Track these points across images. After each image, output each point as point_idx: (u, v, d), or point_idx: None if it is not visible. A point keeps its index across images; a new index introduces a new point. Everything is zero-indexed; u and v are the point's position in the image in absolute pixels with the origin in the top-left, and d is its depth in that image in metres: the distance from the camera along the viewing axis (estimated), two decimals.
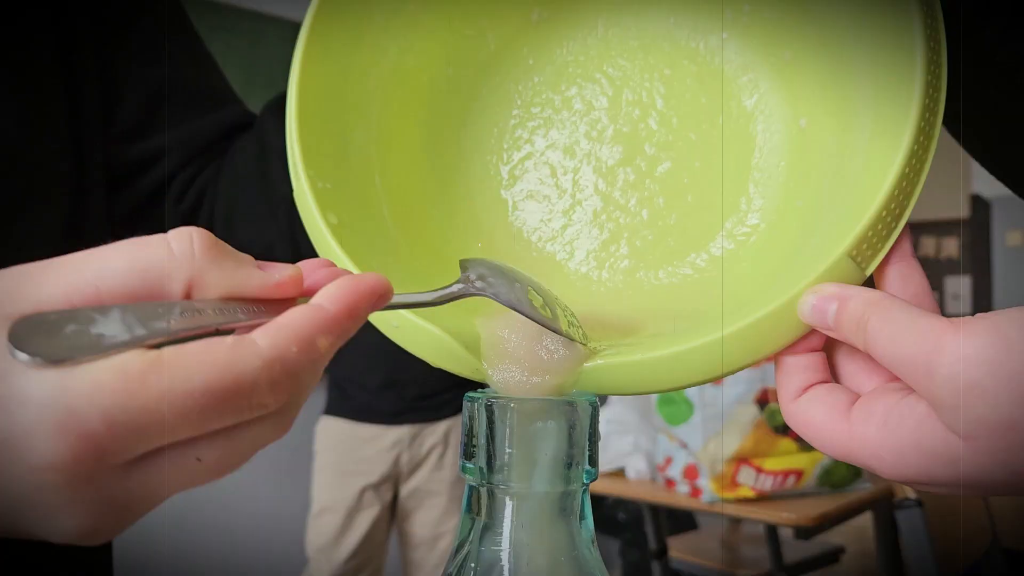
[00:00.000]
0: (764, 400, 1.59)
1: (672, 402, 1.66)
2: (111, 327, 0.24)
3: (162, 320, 0.25)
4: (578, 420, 0.33)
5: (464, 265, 0.36)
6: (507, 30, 0.47)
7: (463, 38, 0.47)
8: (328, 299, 0.28)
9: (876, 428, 0.30)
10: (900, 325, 0.29)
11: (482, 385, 0.36)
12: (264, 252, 0.59)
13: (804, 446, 1.60)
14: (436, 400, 2.00)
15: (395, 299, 0.31)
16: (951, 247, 4.40)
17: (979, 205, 3.53)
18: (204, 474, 0.25)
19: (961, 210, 3.76)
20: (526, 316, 0.34)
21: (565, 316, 0.37)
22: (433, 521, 2.01)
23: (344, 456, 1.98)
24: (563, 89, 0.47)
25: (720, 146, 0.44)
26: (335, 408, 2.03)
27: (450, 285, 0.34)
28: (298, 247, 0.58)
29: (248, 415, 0.25)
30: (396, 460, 1.98)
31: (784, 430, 1.58)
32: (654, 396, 1.73)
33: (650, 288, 0.44)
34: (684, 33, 0.45)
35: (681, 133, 0.45)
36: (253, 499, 2.64)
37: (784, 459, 1.60)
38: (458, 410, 2.03)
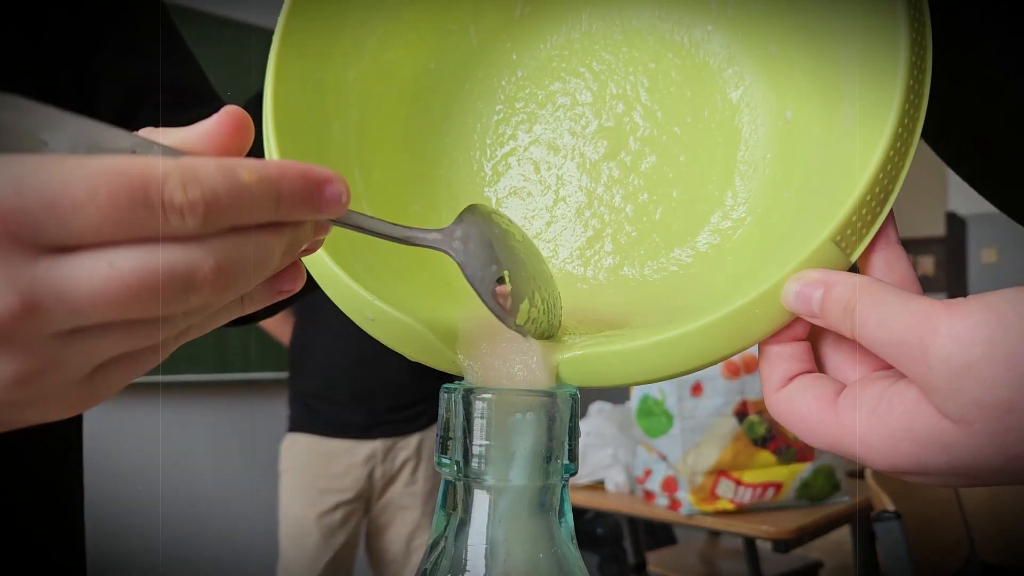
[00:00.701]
0: (743, 412, 1.59)
1: (651, 414, 1.65)
2: (59, 139, 0.24)
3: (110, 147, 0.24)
4: (558, 412, 0.32)
5: (462, 217, 0.35)
6: (490, 24, 0.46)
7: (445, 32, 0.46)
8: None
9: (865, 415, 0.29)
10: (890, 308, 0.28)
11: (459, 378, 0.35)
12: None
13: (783, 459, 1.60)
14: (409, 412, 1.97)
15: (360, 218, 0.31)
16: (927, 264, 4.44)
17: (955, 223, 3.57)
18: (120, 287, 0.23)
19: (937, 228, 3.80)
20: (481, 298, 0.34)
21: (539, 308, 0.36)
22: (405, 536, 1.98)
23: (314, 473, 1.93)
24: (547, 84, 0.46)
25: (705, 140, 0.44)
26: (302, 424, 1.97)
27: (429, 231, 0.34)
28: None
29: (159, 220, 0.23)
30: (370, 475, 1.95)
31: (763, 442, 1.58)
32: (633, 408, 1.72)
33: (636, 284, 0.43)
34: (668, 26, 0.45)
35: (666, 127, 0.45)
36: (223, 516, 2.61)
37: (763, 472, 1.60)
38: (430, 421, 1.99)
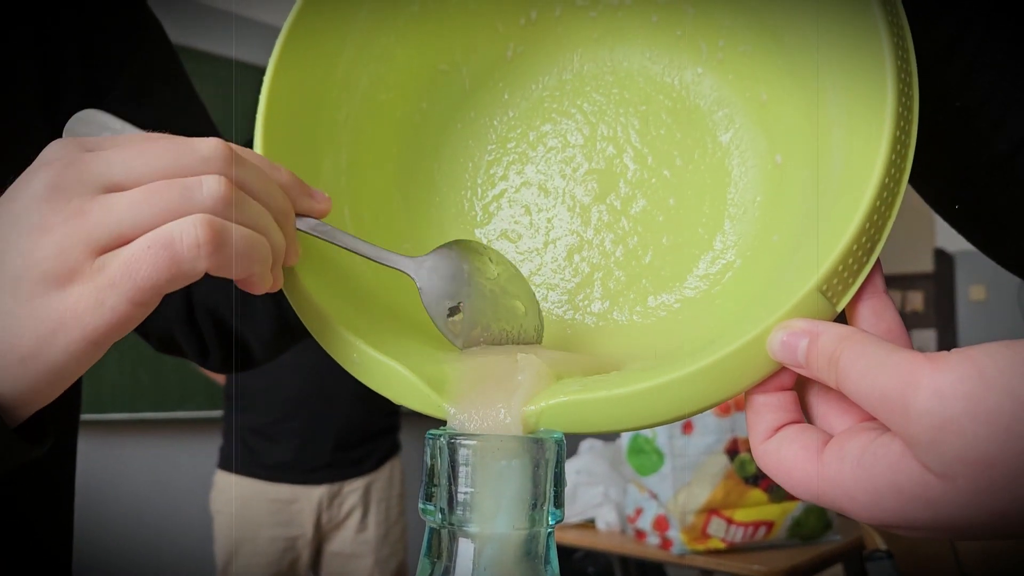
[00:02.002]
0: (734, 450, 1.58)
1: (642, 452, 1.64)
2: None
3: None
4: (543, 458, 0.32)
5: (440, 249, 0.39)
6: (482, 65, 0.46)
7: (437, 72, 0.46)
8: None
9: (850, 468, 0.29)
10: (873, 360, 0.28)
11: (443, 422, 0.35)
12: (246, 300, 0.58)
13: (774, 497, 1.59)
14: (356, 453, 1.87)
15: (338, 233, 0.37)
16: (916, 300, 4.46)
17: (943, 259, 3.59)
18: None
19: (926, 264, 3.82)
20: (433, 322, 0.39)
21: (493, 335, 0.39)
22: None
23: (256, 519, 1.82)
24: (538, 125, 0.46)
25: (695, 183, 0.44)
26: (239, 465, 1.85)
27: (402, 256, 0.38)
28: (278, 294, 0.57)
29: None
30: (317, 522, 1.85)
31: (754, 480, 1.57)
32: (624, 446, 1.71)
33: (625, 328, 0.43)
34: (659, 68, 0.45)
35: (656, 170, 0.45)
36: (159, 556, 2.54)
37: (754, 510, 1.59)
38: (377, 464, 1.90)
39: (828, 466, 0.30)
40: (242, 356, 0.60)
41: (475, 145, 0.47)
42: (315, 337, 0.37)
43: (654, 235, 0.44)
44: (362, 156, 0.44)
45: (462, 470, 0.31)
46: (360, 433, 1.88)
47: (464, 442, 0.31)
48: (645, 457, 1.63)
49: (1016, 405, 0.25)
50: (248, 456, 1.85)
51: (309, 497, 1.84)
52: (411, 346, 0.39)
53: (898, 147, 0.32)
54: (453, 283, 0.39)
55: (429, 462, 0.32)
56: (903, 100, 0.33)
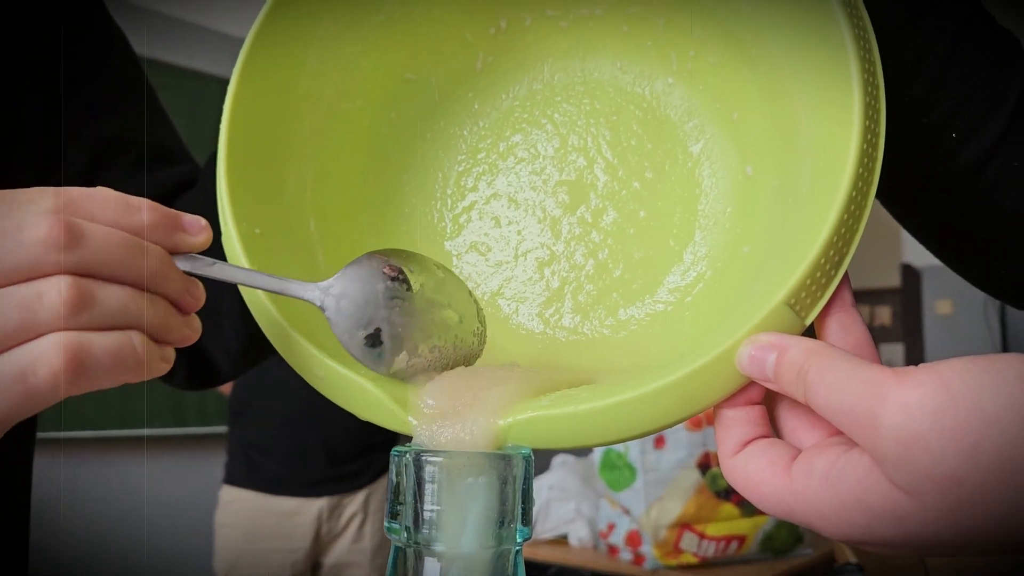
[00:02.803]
0: (706, 464, 1.58)
1: (614, 467, 1.64)
2: None
3: None
4: (511, 475, 0.31)
5: (345, 271, 0.35)
6: (451, 74, 0.46)
7: (405, 82, 0.45)
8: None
9: (817, 484, 0.29)
10: (841, 375, 0.28)
11: (409, 439, 0.34)
12: (211, 314, 0.56)
13: (746, 511, 1.59)
14: (354, 466, 1.89)
15: (229, 268, 0.33)
16: (884, 315, 4.51)
17: (910, 274, 3.63)
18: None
19: (893, 279, 3.86)
20: (349, 353, 0.35)
21: (424, 357, 0.36)
22: None
23: (257, 532, 1.83)
24: (508, 135, 0.46)
25: (665, 194, 0.44)
26: (242, 479, 1.88)
27: (306, 284, 0.34)
28: (245, 305, 0.56)
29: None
30: (316, 535, 1.86)
31: (726, 495, 1.57)
32: (596, 461, 1.71)
33: (596, 343, 0.43)
34: (630, 79, 0.45)
35: (626, 182, 0.44)
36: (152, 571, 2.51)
37: (726, 524, 1.59)
38: (377, 475, 1.92)
39: (796, 481, 0.29)
40: (208, 372, 0.59)
41: (444, 156, 0.46)
42: (280, 352, 0.37)
43: (625, 248, 0.44)
44: (328, 168, 0.43)
45: (428, 487, 0.31)
46: (358, 447, 1.89)
47: (430, 458, 0.31)
48: (617, 472, 1.63)
49: (983, 421, 0.25)
50: (250, 470, 1.87)
51: (310, 509, 1.85)
52: None
53: (865, 160, 0.32)
54: (367, 308, 0.34)
55: (395, 479, 0.32)
56: (870, 114, 0.32)
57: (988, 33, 0.42)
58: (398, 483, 0.31)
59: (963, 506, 0.25)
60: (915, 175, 0.43)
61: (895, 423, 0.26)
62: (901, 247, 3.73)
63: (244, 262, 0.36)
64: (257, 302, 0.37)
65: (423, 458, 0.31)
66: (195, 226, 0.33)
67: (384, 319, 0.34)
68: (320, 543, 1.88)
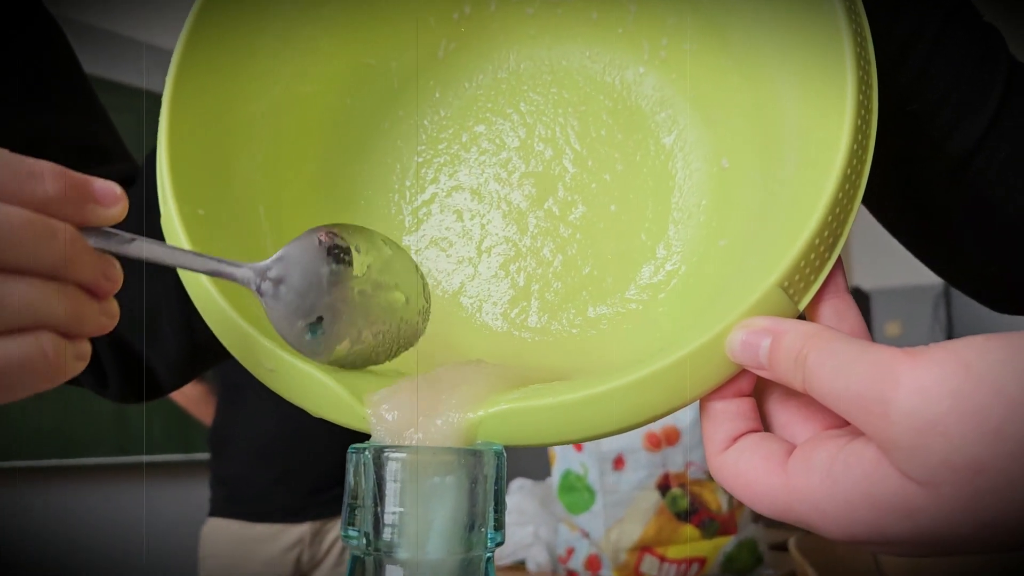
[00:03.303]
0: (666, 485, 1.56)
1: (573, 489, 1.62)
2: None
3: None
4: (482, 473, 0.29)
5: (285, 251, 0.31)
6: (412, 60, 0.44)
7: (364, 67, 0.43)
8: None
9: (818, 479, 0.27)
10: (845, 357, 0.26)
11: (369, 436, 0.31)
12: (151, 314, 0.53)
13: (706, 532, 1.58)
14: (335, 491, 1.87)
15: (153, 246, 0.29)
16: None
17: (859, 297, 3.69)
18: None
19: None
20: (287, 342, 0.32)
21: (366, 344, 0.33)
22: None
23: (238, 560, 1.82)
24: (471, 125, 0.44)
25: (637, 187, 0.42)
26: (223, 509, 1.87)
27: (239, 265, 0.30)
28: (189, 307, 0.53)
29: None
30: (297, 561, 1.84)
31: (686, 516, 1.56)
32: (555, 484, 1.68)
33: (565, 342, 0.41)
34: (599, 67, 0.43)
35: (596, 174, 0.43)
36: None
37: (687, 546, 1.57)
38: None
39: (794, 477, 0.27)
40: (147, 383, 0.55)
41: (404, 146, 0.44)
42: (225, 344, 0.34)
43: (594, 243, 0.42)
44: (282, 153, 0.41)
45: (389, 487, 0.28)
46: (340, 471, 1.87)
47: (391, 455, 0.28)
48: (576, 495, 1.60)
49: (1006, 403, 0.23)
50: (233, 500, 1.86)
51: (291, 535, 1.83)
52: None
53: (859, 137, 0.31)
54: (309, 295, 0.31)
55: (352, 480, 0.29)
56: (863, 89, 0.31)
57: (974, 25, 0.42)
58: (356, 484, 0.28)
59: (983, 497, 0.23)
60: (901, 167, 0.42)
61: (909, 407, 0.24)
62: (850, 271, 3.79)
63: (185, 244, 0.33)
64: (197, 286, 0.34)
65: (384, 455, 0.28)
66: (109, 195, 0.28)
67: (327, 306, 0.31)
68: (302, 569, 1.85)
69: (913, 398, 0.24)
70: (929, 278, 2.22)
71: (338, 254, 0.32)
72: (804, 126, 0.34)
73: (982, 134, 0.41)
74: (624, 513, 1.55)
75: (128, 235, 0.28)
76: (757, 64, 0.37)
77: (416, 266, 0.36)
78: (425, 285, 0.36)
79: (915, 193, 0.44)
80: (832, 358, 0.26)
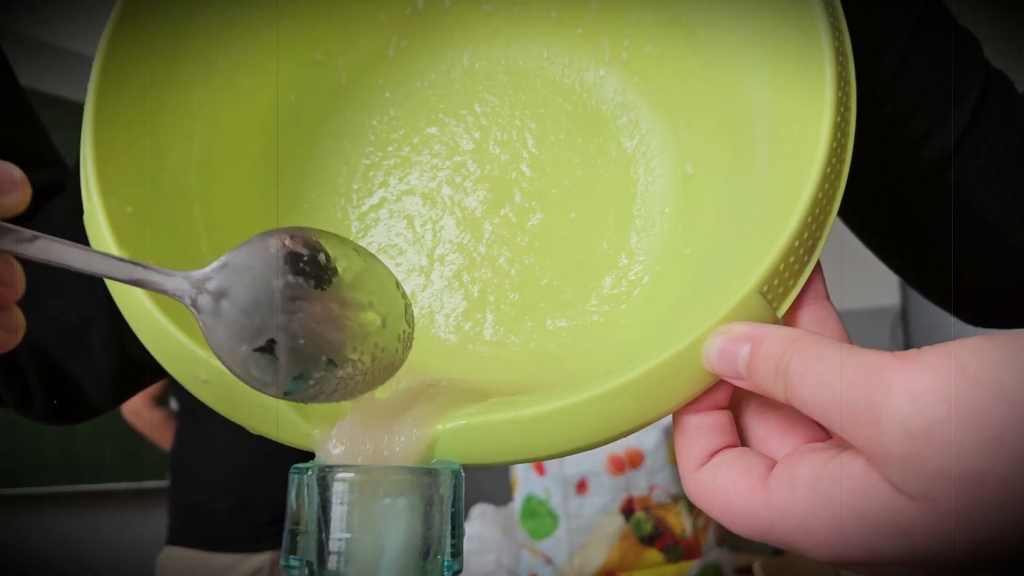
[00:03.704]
0: (630, 509, 1.55)
1: (536, 515, 1.60)
2: None
3: None
4: (438, 495, 0.26)
5: (230, 257, 0.26)
6: (361, 57, 0.42)
7: (310, 62, 0.41)
8: None
9: (803, 496, 0.25)
10: (831, 363, 0.24)
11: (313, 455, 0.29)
12: (79, 325, 0.49)
13: (670, 557, 1.57)
14: None
15: (61, 248, 0.24)
16: None
17: None
18: None
19: None
20: (227, 368, 0.26)
21: (327, 380, 0.27)
22: None
23: None
24: (423, 127, 0.42)
25: (597, 194, 0.40)
26: (181, 537, 1.80)
27: (171, 273, 0.26)
28: (120, 319, 0.49)
29: None
30: None
31: (650, 540, 1.54)
32: (517, 509, 1.66)
33: (522, 356, 0.39)
34: (558, 69, 0.42)
35: (555, 179, 0.41)
36: None
37: (651, 571, 1.56)
38: None
39: (776, 494, 0.25)
40: (76, 402, 0.51)
41: (351, 147, 0.42)
42: (151, 351, 0.31)
43: (554, 252, 0.40)
44: (218, 149, 0.38)
45: (336, 511, 0.25)
46: None
47: (338, 475, 0.26)
48: (539, 520, 1.58)
49: (1007, 408, 0.21)
50: (191, 528, 1.79)
51: (251, 564, 1.76)
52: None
53: (838, 134, 0.30)
54: (257, 313, 0.25)
55: (294, 503, 0.26)
56: (841, 84, 0.30)
57: (948, 28, 0.41)
58: (298, 508, 0.26)
59: (984, 510, 0.21)
60: (876, 172, 0.41)
61: (902, 414, 0.22)
62: None
63: (111, 244, 0.30)
64: (121, 289, 0.31)
65: (330, 475, 0.26)
66: (5, 179, 0.25)
67: (281, 328, 0.26)
68: None
69: (905, 405, 0.22)
70: (886, 300, 2.24)
71: (297, 263, 0.26)
72: (778, 124, 0.32)
73: (958, 138, 0.40)
74: (588, 538, 1.54)
75: (29, 232, 0.24)
76: (726, 63, 0.36)
77: (396, 281, 0.31)
78: (408, 305, 0.31)
79: (889, 199, 0.43)
80: (816, 364, 0.24)
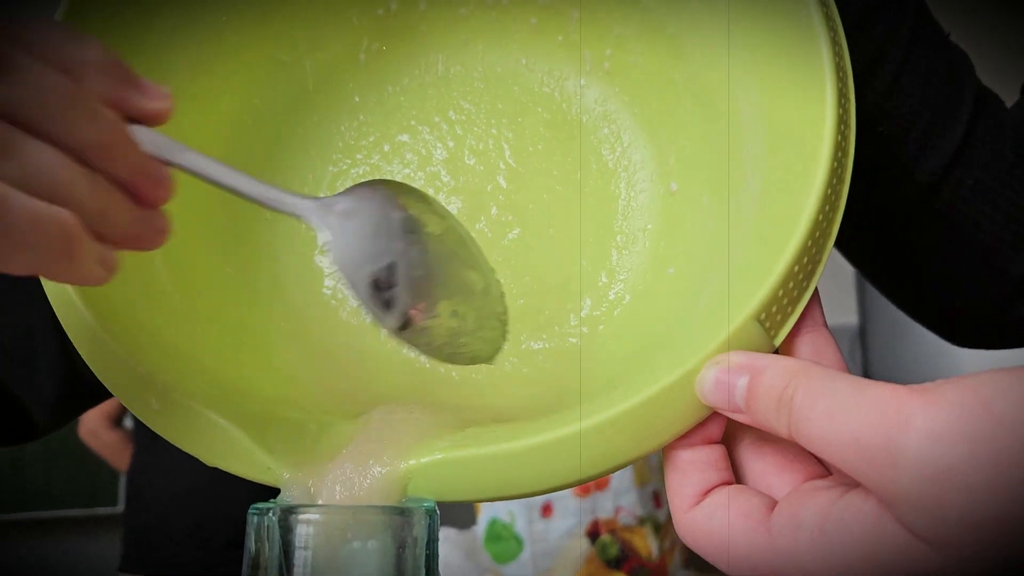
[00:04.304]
0: (595, 532, 1.54)
1: (500, 539, 1.58)
2: None
3: None
4: (411, 536, 0.24)
5: (354, 189, 0.28)
6: (329, 59, 0.40)
7: (276, 64, 0.39)
8: None
9: (809, 538, 0.23)
10: (840, 397, 0.22)
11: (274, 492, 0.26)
12: (23, 340, 0.46)
13: None
14: None
15: (189, 153, 0.26)
16: None
17: None
18: None
19: None
20: (352, 288, 0.28)
21: (443, 323, 0.29)
22: None
23: None
24: (394, 134, 0.40)
25: (577, 209, 0.39)
26: (134, 564, 1.73)
27: (300, 196, 0.27)
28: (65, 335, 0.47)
29: None
30: None
31: (616, 564, 1.53)
32: (481, 533, 1.64)
33: (498, 380, 0.37)
34: (537, 77, 0.40)
35: (533, 194, 0.40)
36: None
37: None
38: None
39: (779, 537, 0.24)
40: (19, 423, 0.48)
41: (317, 154, 0.40)
42: (100, 377, 0.29)
43: (531, 270, 0.39)
44: None
45: (299, 555, 0.23)
46: None
47: (302, 516, 0.23)
48: (503, 544, 1.56)
49: None
50: (145, 553, 1.73)
51: None
52: (245, 388, 0.31)
53: (839, 153, 0.28)
54: (379, 236, 0.28)
55: (253, 547, 0.24)
56: (842, 102, 0.29)
57: (940, 45, 0.40)
58: (258, 551, 0.24)
59: (1007, 557, 0.20)
60: (870, 192, 0.41)
61: (921, 454, 0.20)
62: None
63: None
64: (67, 305, 0.29)
65: (292, 517, 0.23)
66: (155, 90, 0.26)
67: (401, 252, 0.28)
68: None
69: (925, 443, 0.20)
70: (844, 319, 2.26)
71: (414, 204, 0.29)
72: (772, 142, 0.31)
73: (951, 158, 0.39)
74: (553, 562, 1.52)
75: (180, 144, 0.26)
76: (713, 76, 0.34)
77: (490, 267, 0.32)
78: (503, 294, 0.32)
79: (882, 220, 0.42)
80: (824, 398, 0.23)
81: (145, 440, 1.83)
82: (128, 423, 1.99)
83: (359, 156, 0.40)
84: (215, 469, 0.29)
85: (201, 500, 1.72)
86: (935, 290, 0.42)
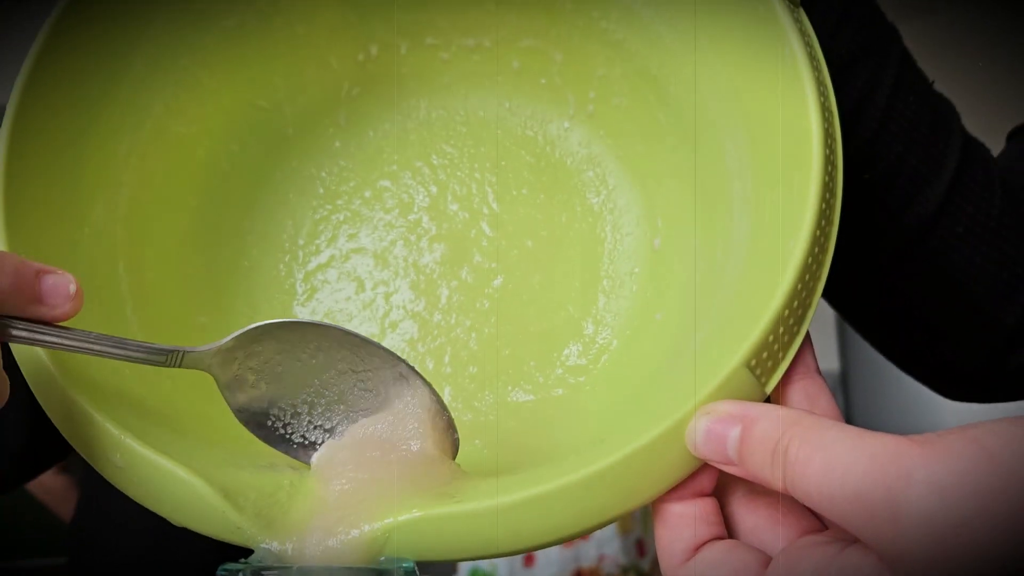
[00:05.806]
0: None
1: None
2: None
3: None
4: None
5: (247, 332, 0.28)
6: (310, 104, 0.39)
7: (254, 109, 0.38)
8: None
9: None
10: (838, 448, 0.21)
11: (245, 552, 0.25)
12: None
13: None
14: None
15: (74, 334, 0.25)
16: None
17: None
18: None
19: None
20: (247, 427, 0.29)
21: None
22: None
23: None
24: (375, 180, 0.39)
25: (562, 254, 0.38)
26: None
27: (182, 348, 0.27)
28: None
29: None
30: None
31: None
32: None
33: (481, 430, 0.36)
34: (520, 120, 0.40)
35: (516, 239, 0.39)
36: None
37: None
38: None
39: None
40: None
41: (297, 200, 0.39)
42: (61, 431, 0.27)
43: (515, 319, 0.38)
44: (148, 202, 0.35)
45: None
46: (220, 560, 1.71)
47: None
48: None
49: None
50: None
51: None
52: (216, 442, 0.29)
53: (826, 195, 0.28)
54: (281, 380, 0.29)
55: None
56: (828, 143, 0.28)
57: (925, 92, 0.40)
58: None
59: None
60: (856, 240, 0.40)
61: (925, 510, 0.19)
62: None
63: None
64: (26, 352, 0.27)
65: None
66: (59, 297, 0.26)
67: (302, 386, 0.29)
68: None
69: (929, 498, 0.19)
70: (825, 365, 2.25)
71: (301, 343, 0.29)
72: (759, 184, 0.30)
73: (938, 206, 0.39)
74: None
75: (57, 331, 0.25)
76: (699, 118, 0.34)
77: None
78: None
79: (870, 269, 0.41)
80: (821, 451, 0.22)
81: (91, 488, 1.76)
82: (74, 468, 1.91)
83: (340, 202, 0.39)
84: (166, 521, 0.28)
85: (152, 553, 1.69)
86: (925, 341, 0.42)
